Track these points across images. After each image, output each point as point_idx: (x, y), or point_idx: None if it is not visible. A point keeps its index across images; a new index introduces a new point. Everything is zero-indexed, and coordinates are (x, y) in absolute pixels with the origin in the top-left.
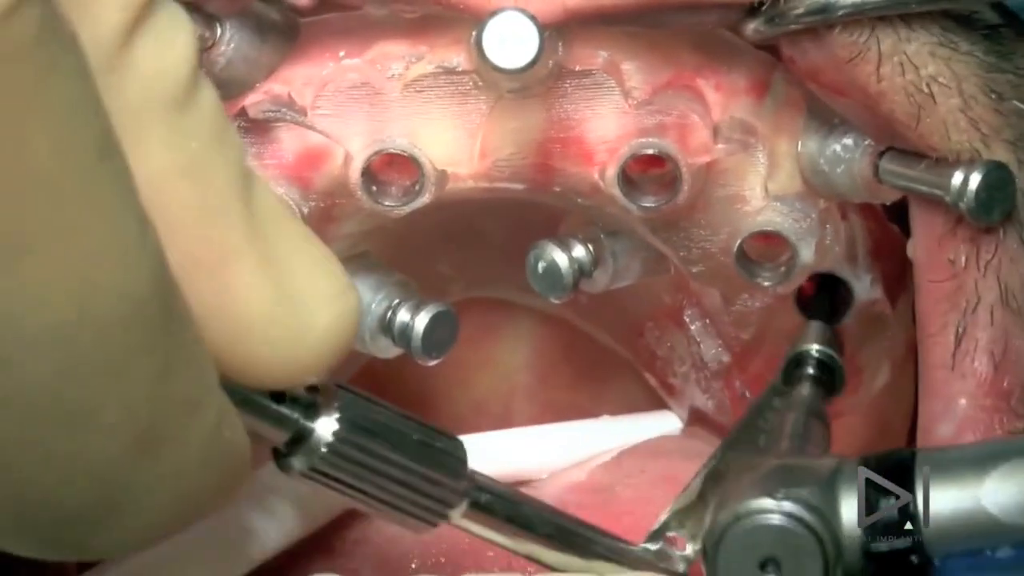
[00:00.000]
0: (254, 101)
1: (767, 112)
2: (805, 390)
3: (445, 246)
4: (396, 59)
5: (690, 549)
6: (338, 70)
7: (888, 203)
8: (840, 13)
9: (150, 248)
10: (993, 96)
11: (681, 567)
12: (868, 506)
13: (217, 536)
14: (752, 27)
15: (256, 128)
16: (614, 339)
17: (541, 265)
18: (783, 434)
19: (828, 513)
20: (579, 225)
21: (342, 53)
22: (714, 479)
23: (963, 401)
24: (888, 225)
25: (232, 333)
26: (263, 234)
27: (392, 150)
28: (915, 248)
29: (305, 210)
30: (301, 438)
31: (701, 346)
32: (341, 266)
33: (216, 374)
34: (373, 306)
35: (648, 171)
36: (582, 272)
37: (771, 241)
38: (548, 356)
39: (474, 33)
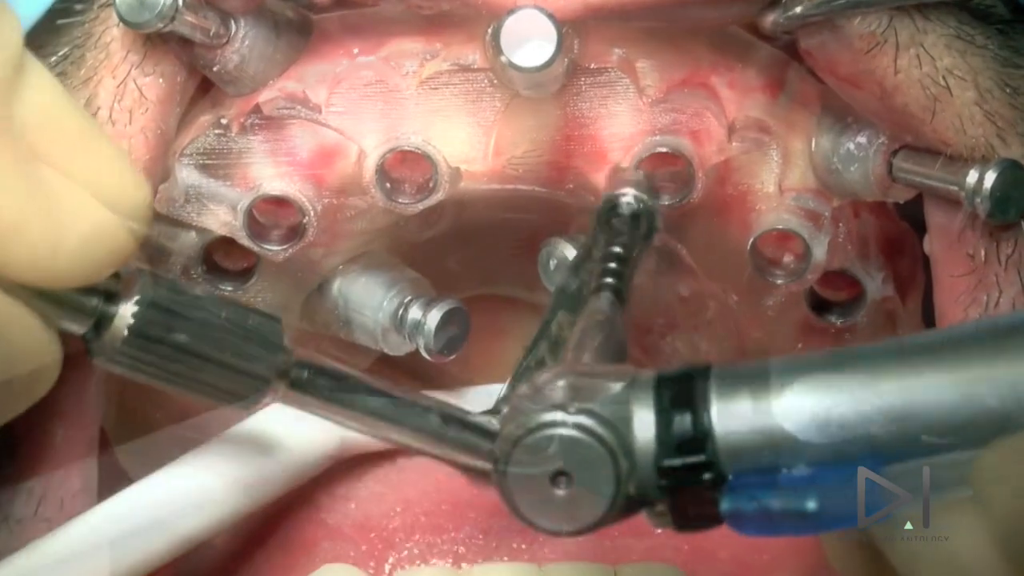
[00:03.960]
0: (268, 98)
1: (781, 110)
2: (601, 300)
3: (456, 243)
4: (411, 56)
5: None
6: (352, 67)
7: (901, 201)
8: (857, 2)
9: None
10: (1008, 90)
11: None
12: (661, 421)
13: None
14: (771, 19)
15: (270, 125)
16: None
17: (553, 262)
18: (579, 342)
19: (621, 426)
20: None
21: (356, 50)
22: (546, 341)
23: None
24: (899, 223)
25: None
26: (20, 135)
27: (406, 148)
28: (932, 244)
29: (319, 207)
30: (102, 325)
31: (712, 344)
32: (130, 168)
33: None
34: (385, 303)
35: (661, 168)
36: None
37: (784, 239)
38: None
39: (491, 30)
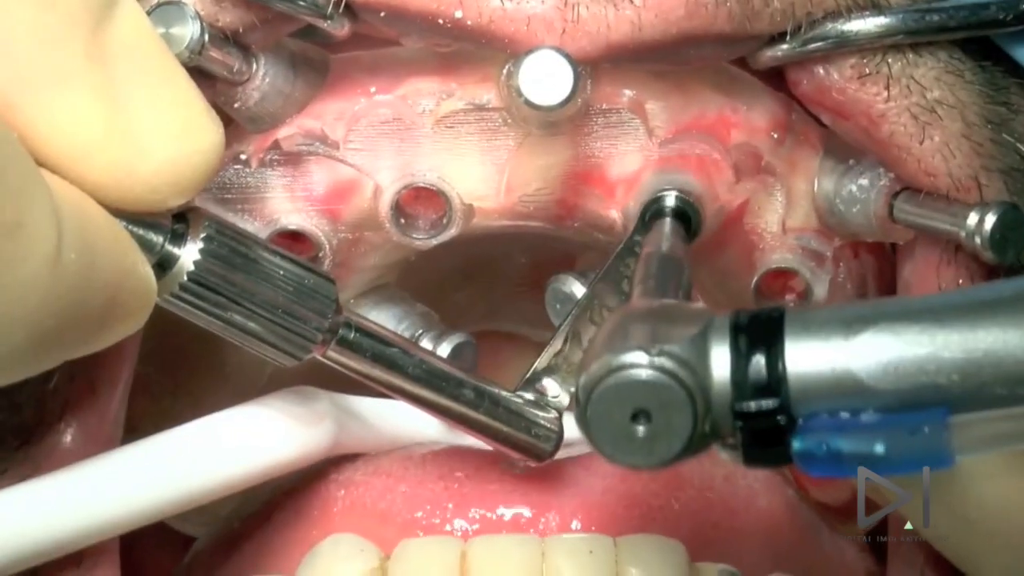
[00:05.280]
0: (287, 134)
1: (785, 152)
2: (665, 227)
3: (463, 278)
4: (427, 95)
5: (562, 395)
6: (370, 105)
7: (902, 243)
8: (854, 39)
9: None
10: (990, 126)
11: (553, 413)
12: (736, 364)
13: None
14: (768, 55)
15: (289, 160)
16: None
17: (560, 298)
18: (647, 275)
19: (699, 368)
20: (597, 261)
21: (373, 89)
22: (580, 325)
23: None
24: (896, 264)
25: (61, 157)
26: (110, 64)
27: (421, 184)
28: (913, 272)
29: (334, 241)
30: (166, 264)
31: None
32: (208, 108)
33: (49, 197)
34: None
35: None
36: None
37: (786, 278)
38: None
39: (507, 70)
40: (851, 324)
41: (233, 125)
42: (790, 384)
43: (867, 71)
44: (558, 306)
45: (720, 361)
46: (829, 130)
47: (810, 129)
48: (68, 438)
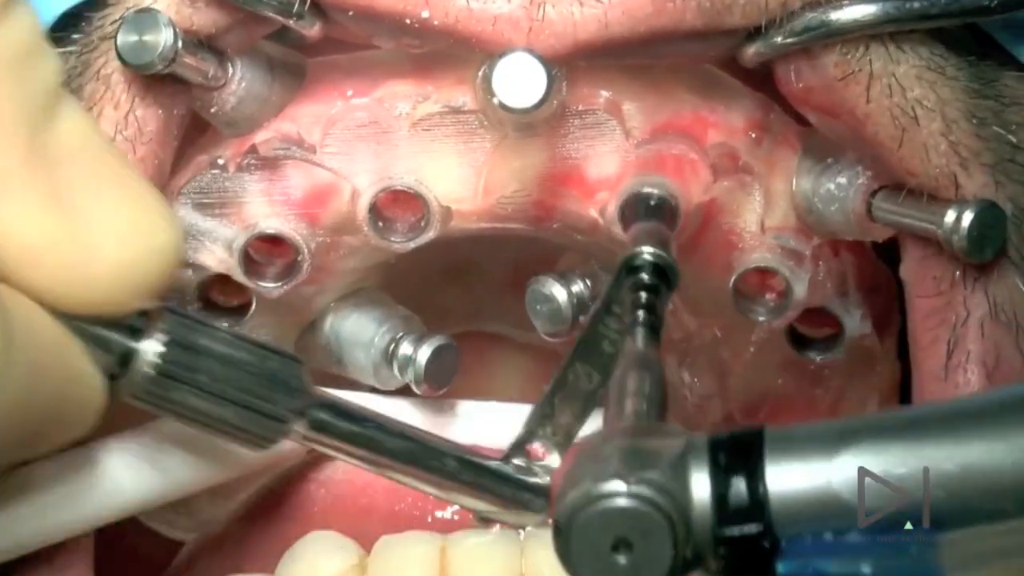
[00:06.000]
0: (264, 139)
1: (763, 151)
2: (638, 336)
3: (444, 280)
4: (403, 98)
5: (550, 458)
6: (346, 109)
7: (880, 240)
8: (836, 29)
9: None
10: (975, 121)
11: (544, 479)
12: (717, 487)
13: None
14: (752, 51)
15: (266, 165)
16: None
17: (541, 299)
18: (621, 393)
19: (678, 493)
20: (577, 261)
21: (350, 92)
22: (562, 390)
23: None
24: (877, 262)
25: (7, 262)
26: (55, 168)
27: (399, 187)
28: (905, 268)
29: (313, 245)
30: (127, 361)
31: (695, 378)
32: (162, 206)
33: None
34: (376, 339)
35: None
36: (581, 307)
37: (765, 277)
38: (540, 390)
39: (482, 73)
40: (832, 442)
41: (211, 130)
42: (772, 506)
43: (850, 69)
44: (538, 307)
45: (700, 486)
46: (807, 129)
47: (788, 129)
48: None
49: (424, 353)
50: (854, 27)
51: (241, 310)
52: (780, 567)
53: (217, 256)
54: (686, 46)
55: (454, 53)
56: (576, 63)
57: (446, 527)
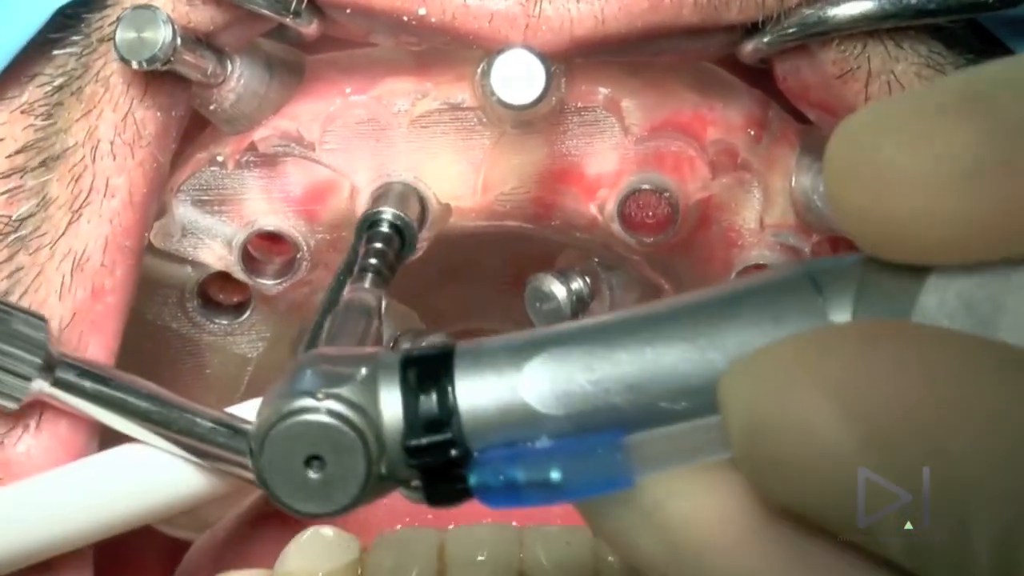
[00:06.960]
0: (263, 136)
1: (762, 149)
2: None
3: (443, 278)
4: (402, 95)
5: None
6: (345, 106)
7: None
8: (833, 25)
9: None
10: None
11: None
12: (408, 402)
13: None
14: (750, 47)
15: (265, 162)
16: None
17: (540, 297)
18: (333, 328)
19: (369, 409)
20: (576, 258)
21: (348, 89)
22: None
23: None
24: None
25: None
26: None
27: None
28: None
29: (312, 242)
30: None
31: None
32: None
33: None
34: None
35: (645, 205)
36: (581, 305)
37: None
38: None
39: (480, 70)
40: (520, 353)
41: (210, 127)
42: (462, 417)
43: (848, 66)
44: (538, 305)
45: (390, 401)
46: (806, 127)
47: (787, 126)
48: (41, 446)
49: None
50: (851, 23)
51: (240, 307)
52: (472, 478)
53: (216, 253)
54: (684, 43)
55: (452, 50)
56: (574, 60)
57: (445, 521)
